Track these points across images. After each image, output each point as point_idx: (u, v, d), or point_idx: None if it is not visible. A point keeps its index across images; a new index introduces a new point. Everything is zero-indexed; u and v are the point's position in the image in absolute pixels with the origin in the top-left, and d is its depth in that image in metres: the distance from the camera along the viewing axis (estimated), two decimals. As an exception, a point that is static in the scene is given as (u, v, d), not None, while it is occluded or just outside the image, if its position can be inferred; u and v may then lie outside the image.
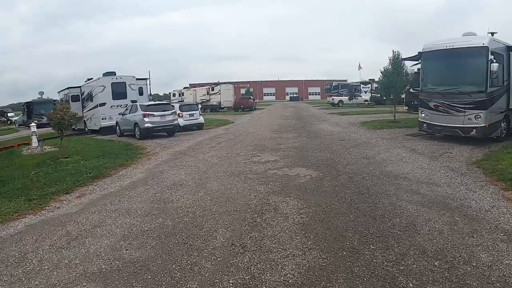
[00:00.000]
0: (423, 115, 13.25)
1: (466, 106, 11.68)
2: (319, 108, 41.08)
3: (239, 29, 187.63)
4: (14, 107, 68.84)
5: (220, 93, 45.37)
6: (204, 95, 47.68)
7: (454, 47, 12.05)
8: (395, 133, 15.18)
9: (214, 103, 45.70)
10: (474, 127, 11.58)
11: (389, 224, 5.06)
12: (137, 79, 22.27)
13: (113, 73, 21.72)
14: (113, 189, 8.14)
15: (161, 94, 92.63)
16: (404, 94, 24.15)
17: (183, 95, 53.32)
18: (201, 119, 21.09)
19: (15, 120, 44.84)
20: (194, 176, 8.60)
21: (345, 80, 57.85)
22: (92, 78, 22.81)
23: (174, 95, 57.69)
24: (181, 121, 20.08)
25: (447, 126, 12.23)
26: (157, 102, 19.20)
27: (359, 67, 54.75)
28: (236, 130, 19.00)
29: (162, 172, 9.46)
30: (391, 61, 18.83)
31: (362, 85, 47.94)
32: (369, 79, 48.40)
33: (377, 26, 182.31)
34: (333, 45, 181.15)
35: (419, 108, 13.51)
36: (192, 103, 23.67)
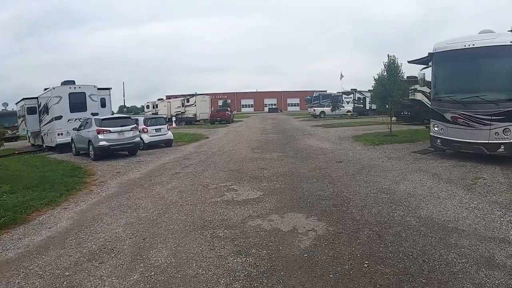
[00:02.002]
0: (436, 128, 10.86)
1: (493, 117, 9.40)
2: (300, 120, 38.72)
3: (218, 40, 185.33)
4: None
5: (195, 105, 42.40)
6: (179, 107, 44.69)
7: (475, 46, 9.81)
8: (398, 150, 12.72)
9: (190, 116, 42.64)
10: (502, 143, 9.39)
11: None
12: (98, 88, 19.33)
13: (72, 82, 18.90)
14: (12, 253, 5.26)
15: (139, 106, 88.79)
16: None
17: (157, 107, 50.44)
18: (169, 135, 18.16)
19: (-21, 133, 40.31)
20: (136, 230, 5.67)
21: (325, 91, 55.95)
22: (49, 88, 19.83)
23: (148, 107, 54.70)
24: (146, 137, 17.22)
25: (468, 142, 9.89)
26: (114, 116, 16.15)
27: (341, 77, 53.06)
28: (209, 148, 16.09)
29: (95, 219, 6.51)
30: (386, 67, 16.58)
31: (344, 96, 45.99)
32: (352, 89, 46.64)
33: (355, 38, 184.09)
34: (311, 56, 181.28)
35: (431, 120, 11.11)
36: (159, 116, 20.70)
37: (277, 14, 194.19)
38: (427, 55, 11.09)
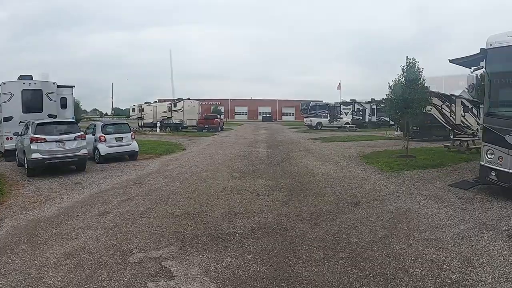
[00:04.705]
0: (490, 156, 7.58)
1: None
2: (295, 131, 35.39)
3: (214, 48, 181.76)
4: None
5: (182, 110, 38.92)
6: (166, 111, 41.14)
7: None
8: (428, 181, 9.37)
9: (176, 121, 39.05)
10: None
11: None
12: (58, 86, 16.08)
13: (29, 77, 15.74)
14: None
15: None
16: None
17: (143, 110, 47.00)
18: (133, 146, 14.66)
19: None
20: None
21: (321, 101, 52.94)
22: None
23: (133, 110, 51.32)
24: (102, 148, 13.82)
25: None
26: (55, 120, 12.63)
27: (339, 87, 50.10)
28: (178, 166, 12.53)
29: None
30: (404, 71, 13.31)
31: (342, 106, 42.89)
32: (351, 100, 43.64)
33: (351, 50, 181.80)
34: (307, 67, 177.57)
35: (484, 144, 7.81)
36: (121, 122, 17.14)
37: (274, 25, 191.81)
38: (478, 51, 7.82)
